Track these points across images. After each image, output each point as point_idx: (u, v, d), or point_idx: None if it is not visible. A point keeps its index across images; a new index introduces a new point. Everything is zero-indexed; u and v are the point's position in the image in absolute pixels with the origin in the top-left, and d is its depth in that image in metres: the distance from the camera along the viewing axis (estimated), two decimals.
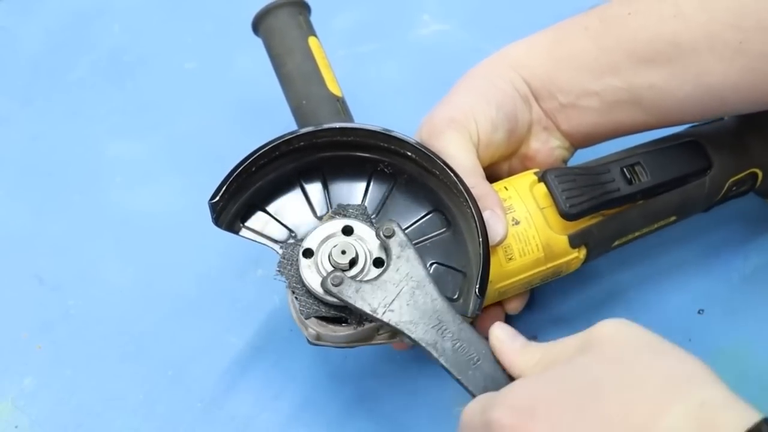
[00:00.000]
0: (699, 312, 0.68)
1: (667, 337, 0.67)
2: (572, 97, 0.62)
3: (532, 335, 0.67)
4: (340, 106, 0.64)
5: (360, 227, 0.58)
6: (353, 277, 0.55)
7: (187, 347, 0.67)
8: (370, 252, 0.57)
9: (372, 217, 0.59)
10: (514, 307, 0.64)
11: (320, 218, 0.59)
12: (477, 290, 0.55)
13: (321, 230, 0.58)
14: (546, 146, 0.65)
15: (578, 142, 0.65)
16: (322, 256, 0.56)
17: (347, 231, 0.57)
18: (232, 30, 0.80)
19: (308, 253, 0.57)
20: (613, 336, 0.47)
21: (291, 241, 0.58)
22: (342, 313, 0.56)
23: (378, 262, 0.56)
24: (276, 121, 0.76)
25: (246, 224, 0.59)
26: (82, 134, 0.79)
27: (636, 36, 0.60)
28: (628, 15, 0.60)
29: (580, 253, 0.62)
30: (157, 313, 0.69)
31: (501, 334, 0.52)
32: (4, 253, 0.72)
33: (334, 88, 0.64)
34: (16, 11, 0.87)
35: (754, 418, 0.41)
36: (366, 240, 0.57)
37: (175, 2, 0.88)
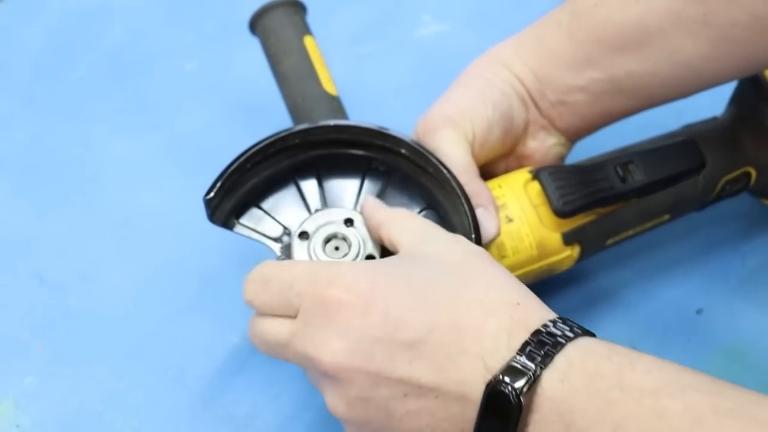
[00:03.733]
0: (698, 312, 0.68)
1: (665, 337, 0.67)
2: (560, 94, 0.63)
3: None
4: (335, 105, 0.64)
5: (360, 221, 0.58)
6: None
7: (188, 347, 0.67)
8: (364, 244, 0.57)
9: None
10: None
11: (314, 213, 0.59)
12: None
13: (321, 216, 0.58)
14: (543, 145, 0.65)
15: (574, 135, 0.65)
16: (316, 242, 0.57)
17: (348, 222, 0.58)
18: (232, 30, 0.81)
19: (303, 236, 0.57)
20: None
21: (285, 237, 0.59)
22: None
23: (370, 258, 0.57)
24: (276, 121, 0.76)
25: (241, 221, 0.59)
26: (83, 134, 0.79)
27: (604, 26, 0.60)
28: (595, 6, 0.61)
29: (574, 251, 0.62)
30: (157, 313, 0.69)
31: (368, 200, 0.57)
32: (6, 252, 0.73)
33: (329, 87, 0.64)
34: (18, 11, 0.87)
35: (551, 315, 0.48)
36: (364, 235, 0.57)
37: (176, 2, 0.88)
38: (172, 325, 0.68)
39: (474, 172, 0.60)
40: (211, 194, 0.57)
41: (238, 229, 0.59)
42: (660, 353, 0.65)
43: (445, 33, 0.86)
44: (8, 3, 0.88)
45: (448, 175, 0.57)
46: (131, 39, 0.86)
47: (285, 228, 0.59)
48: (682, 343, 0.67)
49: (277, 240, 0.59)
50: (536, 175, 0.61)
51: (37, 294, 0.70)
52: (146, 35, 0.86)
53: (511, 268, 0.60)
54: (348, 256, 0.56)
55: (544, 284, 0.67)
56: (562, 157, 0.66)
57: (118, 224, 0.74)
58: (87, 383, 0.65)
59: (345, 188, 0.60)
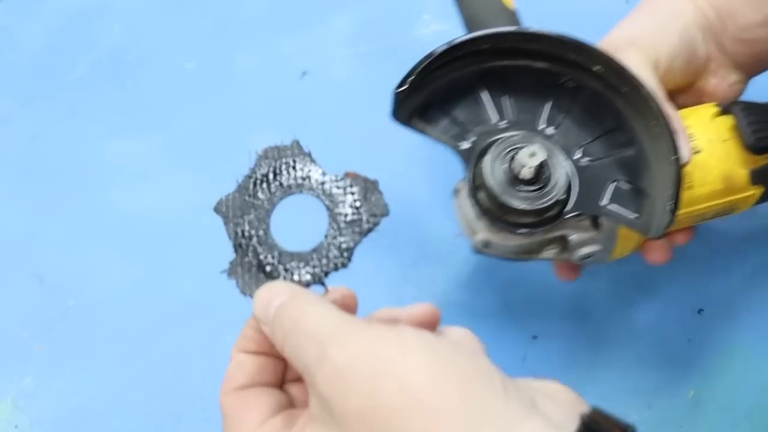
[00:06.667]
0: (699, 312, 0.68)
1: (666, 337, 0.67)
2: (740, 30, 0.61)
3: (532, 335, 0.67)
4: (514, 20, 0.62)
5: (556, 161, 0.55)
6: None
7: (187, 347, 0.67)
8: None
9: (552, 129, 0.57)
10: (681, 239, 0.62)
11: (496, 125, 0.57)
12: (668, 208, 0.53)
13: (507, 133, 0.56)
14: (725, 82, 0.64)
15: (752, 72, 0.64)
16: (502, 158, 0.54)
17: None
18: (232, 30, 0.80)
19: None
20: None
21: (464, 143, 0.56)
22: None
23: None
24: (276, 120, 0.76)
25: (422, 120, 0.56)
26: (82, 134, 0.79)
27: None
28: None
29: (757, 191, 0.60)
30: (157, 313, 0.69)
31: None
32: (5, 252, 0.72)
33: (508, 1, 0.63)
34: (16, 11, 0.87)
35: None
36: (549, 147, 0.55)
37: (175, 2, 0.88)
38: (171, 326, 0.68)
39: (663, 96, 0.57)
40: (404, 87, 0.54)
41: (418, 126, 0.56)
42: (660, 353, 0.66)
43: (445, 33, 0.85)
44: (8, 3, 0.88)
45: (646, 95, 0.55)
46: (130, 38, 0.85)
47: (465, 131, 0.56)
48: (683, 344, 0.67)
49: (456, 138, 0.56)
50: (727, 109, 0.59)
51: (36, 294, 0.70)
52: (145, 35, 0.86)
53: (696, 201, 0.58)
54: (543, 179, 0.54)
55: (544, 285, 0.67)
56: (739, 95, 0.65)
57: (117, 224, 0.74)
58: (86, 383, 0.65)
59: (529, 101, 0.58)
